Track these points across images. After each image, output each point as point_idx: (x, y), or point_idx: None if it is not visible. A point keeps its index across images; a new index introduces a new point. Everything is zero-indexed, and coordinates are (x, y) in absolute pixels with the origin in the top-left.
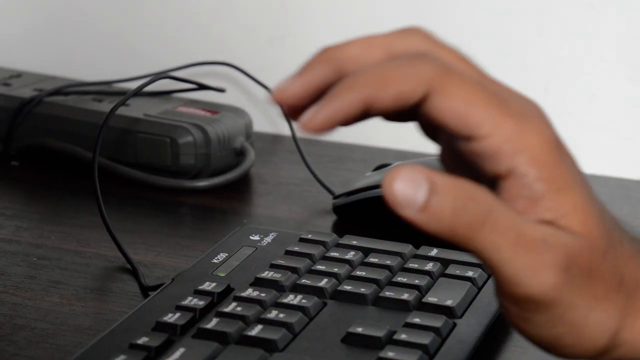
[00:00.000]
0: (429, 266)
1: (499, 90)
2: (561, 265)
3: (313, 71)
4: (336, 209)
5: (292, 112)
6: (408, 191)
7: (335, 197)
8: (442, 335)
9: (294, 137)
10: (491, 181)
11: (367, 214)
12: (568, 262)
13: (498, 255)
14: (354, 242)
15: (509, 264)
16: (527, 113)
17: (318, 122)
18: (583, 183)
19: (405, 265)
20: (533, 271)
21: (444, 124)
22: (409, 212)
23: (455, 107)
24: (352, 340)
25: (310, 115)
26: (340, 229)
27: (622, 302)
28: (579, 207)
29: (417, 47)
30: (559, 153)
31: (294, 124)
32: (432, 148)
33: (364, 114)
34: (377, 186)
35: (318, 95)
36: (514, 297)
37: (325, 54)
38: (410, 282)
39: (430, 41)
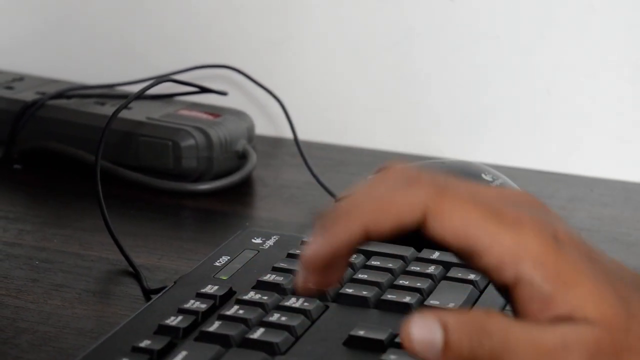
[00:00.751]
0: (431, 269)
1: (492, 200)
2: (588, 358)
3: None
4: None
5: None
6: (425, 339)
7: (338, 200)
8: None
9: (295, 140)
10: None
11: None
12: (592, 353)
13: None
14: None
15: None
16: (522, 218)
17: (321, 256)
18: (589, 266)
19: (407, 268)
20: None
21: (444, 244)
22: (431, 358)
23: (453, 227)
24: (354, 343)
25: (312, 248)
26: None
27: None
28: (589, 294)
29: (413, 171)
30: (559, 247)
31: (296, 127)
32: (433, 151)
33: (364, 240)
34: None
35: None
36: None
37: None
38: (412, 285)
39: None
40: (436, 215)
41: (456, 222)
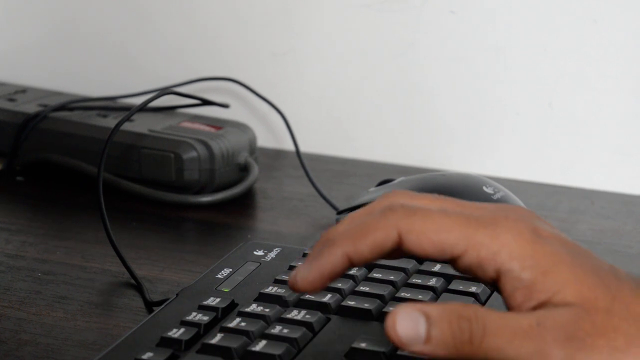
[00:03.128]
0: (432, 281)
1: (464, 209)
2: (563, 338)
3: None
4: None
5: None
6: (410, 330)
7: (339, 213)
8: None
9: (297, 152)
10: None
11: None
12: (569, 332)
13: (504, 354)
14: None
15: (517, 357)
16: (496, 217)
17: (307, 282)
18: (569, 254)
19: (409, 281)
20: (539, 354)
21: (425, 256)
22: (416, 347)
23: (428, 239)
24: (355, 355)
25: (298, 275)
26: None
27: None
28: (567, 280)
29: (389, 201)
30: (536, 238)
31: (298, 139)
32: (434, 164)
33: (348, 267)
34: None
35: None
36: None
37: (322, 239)
38: (414, 297)
39: (406, 196)
40: (410, 232)
41: (430, 233)
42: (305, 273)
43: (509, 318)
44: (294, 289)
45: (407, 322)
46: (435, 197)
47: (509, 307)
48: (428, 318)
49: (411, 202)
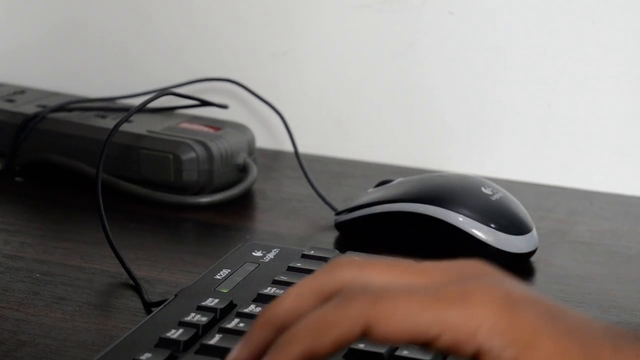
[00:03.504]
0: None
1: (429, 282)
2: None
3: (255, 337)
4: (338, 226)
5: None
6: None
7: (338, 214)
8: (443, 353)
9: (296, 153)
10: None
11: (369, 230)
12: None
13: None
14: (356, 259)
15: None
16: (468, 290)
17: None
18: (549, 323)
19: None
20: None
21: (397, 343)
22: None
23: (398, 327)
24: (354, 356)
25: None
26: (342, 245)
27: None
28: (548, 350)
29: (344, 279)
30: (512, 307)
31: (297, 140)
32: (433, 164)
33: None
34: (378, 203)
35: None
36: None
37: (262, 318)
38: None
39: (354, 267)
40: (378, 323)
41: (400, 321)
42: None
43: None
44: None
45: None
46: (389, 265)
47: None
48: None
49: (368, 281)
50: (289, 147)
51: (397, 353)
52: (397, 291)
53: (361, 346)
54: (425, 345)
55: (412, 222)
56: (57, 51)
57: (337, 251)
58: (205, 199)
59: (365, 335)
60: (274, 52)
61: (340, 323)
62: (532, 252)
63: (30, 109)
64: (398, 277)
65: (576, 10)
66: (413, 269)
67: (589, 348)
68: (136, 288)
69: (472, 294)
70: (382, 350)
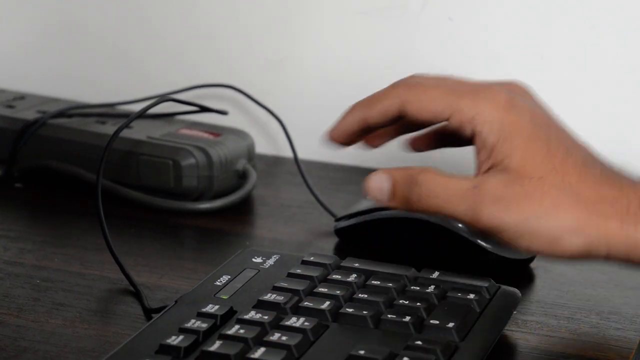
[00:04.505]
0: (431, 289)
1: (455, 84)
2: (492, 199)
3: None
4: (338, 232)
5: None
6: (377, 188)
7: (337, 220)
8: (443, 359)
9: (296, 159)
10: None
11: (369, 236)
12: (499, 194)
13: (443, 211)
14: (356, 265)
15: (456, 214)
16: (479, 88)
17: (334, 135)
18: (531, 126)
19: (407, 288)
20: (471, 211)
21: (421, 121)
22: (384, 200)
23: (422, 107)
24: None
25: (330, 132)
26: (342, 251)
27: (583, 209)
28: (517, 147)
29: (401, 80)
30: (508, 108)
31: (296, 146)
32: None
33: (367, 129)
34: (378, 209)
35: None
36: (484, 232)
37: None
38: (412, 304)
39: (413, 76)
40: (410, 102)
41: (424, 102)
42: (334, 129)
43: (452, 182)
44: (331, 139)
45: (375, 182)
46: (439, 77)
47: (476, 163)
48: (393, 179)
49: (415, 79)
50: (288, 153)
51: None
52: (429, 84)
53: (361, 353)
54: (442, 125)
55: (413, 229)
56: (57, 57)
57: (336, 257)
58: (204, 205)
59: (401, 111)
60: (273, 58)
61: (385, 98)
62: (532, 259)
63: (30, 114)
64: (439, 80)
65: (574, 17)
66: (453, 78)
67: (555, 154)
68: (136, 294)
69: (481, 91)
70: (381, 357)
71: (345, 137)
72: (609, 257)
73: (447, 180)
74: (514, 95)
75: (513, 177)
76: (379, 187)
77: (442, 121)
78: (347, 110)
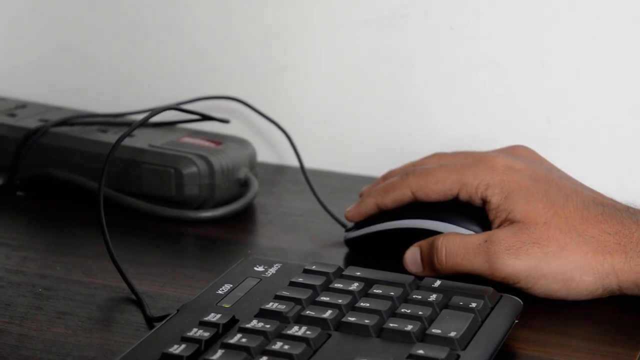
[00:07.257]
0: (432, 297)
1: (457, 161)
2: (504, 249)
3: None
4: (348, 242)
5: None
6: (411, 258)
7: (347, 230)
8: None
9: (302, 168)
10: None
11: (378, 246)
12: (509, 244)
13: (463, 267)
14: (358, 274)
15: (474, 268)
16: (479, 161)
17: (352, 215)
18: (530, 182)
19: (409, 297)
20: (488, 263)
21: (435, 200)
22: (419, 271)
23: (432, 191)
24: None
25: (349, 212)
26: (351, 260)
27: (589, 247)
28: (519, 201)
29: (407, 167)
30: (507, 171)
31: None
32: None
33: (378, 210)
34: (388, 219)
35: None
36: (501, 281)
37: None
38: (414, 313)
39: (417, 162)
40: (418, 189)
41: (432, 186)
42: (353, 211)
43: (467, 239)
44: (347, 219)
45: (409, 256)
46: (443, 155)
47: (490, 223)
48: (421, 250)
49: (422, 167)
50: (290, 162)
51: None
52: (434, 167)
53: None
54: (456, 197)
55: (422, 239)
56: (59, 68)
57: (338, 266)
58: (206, 214)
59: (413, 197)
60: (275, 67)
61: (397, 189)
62: None
63: (31, 123)
64: (439, 160)
65: (574, 25)
66: (453, 154)
67: (555, 201)
68: (138, 303)
69: (481, 162)
70: None
71: (362, 217)
72: (621, 290)
73: (463, 239)
74: (512, 158)
75: (520, 227)
76: (413, 260)
77: (452, 197)
78: (363, 196)
